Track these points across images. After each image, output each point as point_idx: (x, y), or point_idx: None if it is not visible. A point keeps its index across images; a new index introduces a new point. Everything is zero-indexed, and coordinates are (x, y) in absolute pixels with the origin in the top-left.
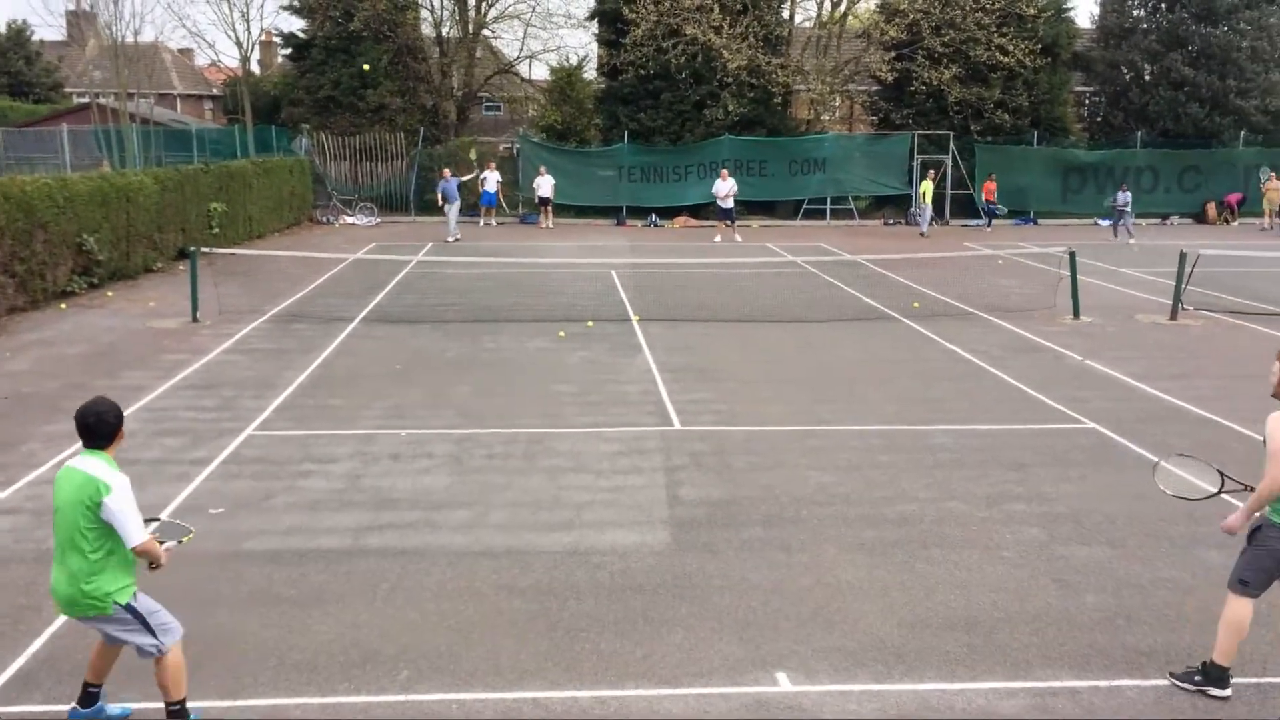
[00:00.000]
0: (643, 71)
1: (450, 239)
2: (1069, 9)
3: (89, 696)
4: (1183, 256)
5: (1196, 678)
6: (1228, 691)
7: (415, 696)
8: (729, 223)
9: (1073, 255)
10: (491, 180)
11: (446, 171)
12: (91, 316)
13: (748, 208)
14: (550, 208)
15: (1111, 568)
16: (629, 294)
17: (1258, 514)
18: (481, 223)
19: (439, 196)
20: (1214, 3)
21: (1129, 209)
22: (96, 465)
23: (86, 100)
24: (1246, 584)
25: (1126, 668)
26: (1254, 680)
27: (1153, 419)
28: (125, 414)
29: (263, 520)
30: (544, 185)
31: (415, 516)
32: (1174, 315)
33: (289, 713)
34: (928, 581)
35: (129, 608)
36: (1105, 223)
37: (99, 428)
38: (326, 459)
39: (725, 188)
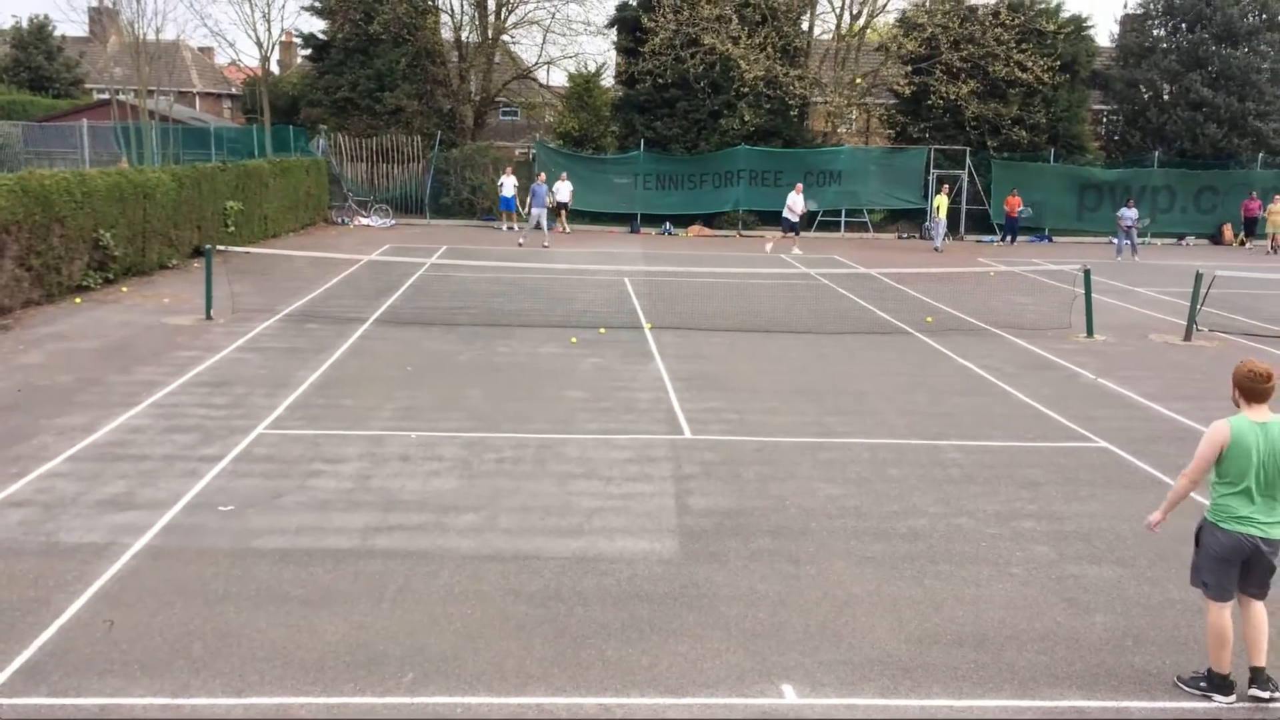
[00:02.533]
0: (660, 80)
1: (545, 244)
2: (1089, 27)
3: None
4: (1198, 277)
5: (1201, 684)
6: (1231, 698)
7: (421, 699)
8: (791, 234)
9: (1087, 273)
10: (509, 185)
11: (542, 175)
12: (106, 312)
13: (761, 218)
14: (565, 213)
15: (1121, 588)
16: (642, 302)
17: (1203, 515)
18: (504, 228)
19: (529, 198)
20: (1235, 24)
21: (1134, 225)
22: None
23: (106, 96)
24: (1207, 585)
25: (1134, 688)
26: None
27: (1164, 439)
28: (137, 409)
29: (272, 519)
30: (563, 190)
31: (424, 519)
32: (1188, 336)
33: (294, 712)
34: (936, 597)
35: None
36: (1115, 241)
37: None
38: (336, 459)
39: (800, 202)
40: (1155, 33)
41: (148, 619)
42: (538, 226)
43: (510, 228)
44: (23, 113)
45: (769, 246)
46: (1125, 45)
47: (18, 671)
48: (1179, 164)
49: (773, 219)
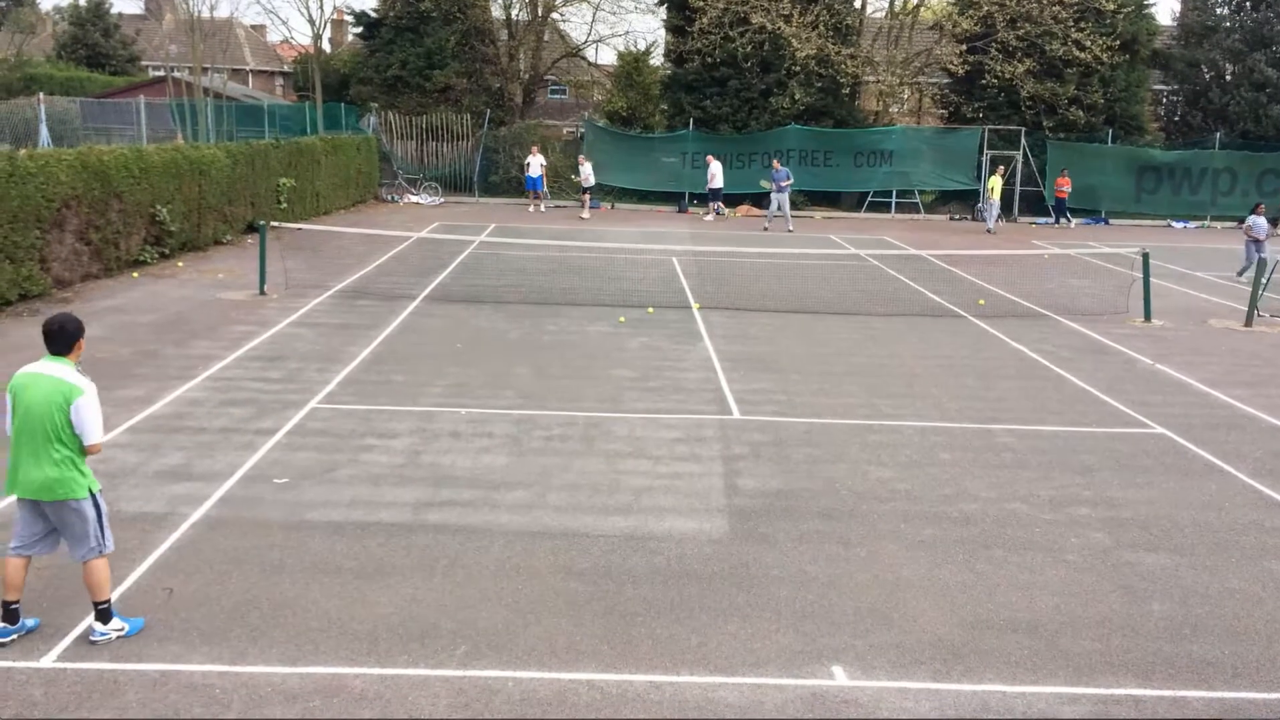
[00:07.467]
0: (709, 59)
1: (790, 229)
2: (1150, 5)
3: (12, 614)
4: (1261, 262)
5: None
6: None
7: (472, 672)
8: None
9: (1145, 256)
10: (535, 164)
11: (776, 162)
12: (162, 286)
13: (810, 198)
14: (589, 196)
15: (1178, 576)
16: (690, 281)
17: None
18: (531, 208)
19: (770, 182)
20: None
21: (1267, 238)
22: (63, 370)
23: (162, 73)
24: None
25: (1192, 678)
26: None
27: (1223, 426)
28: (194, 382)
29: (325, 492)
30: (585, 171)
31: (474, 494)
32: (1249, 321)
33: (349, 682)
34: (989, 582)
35: (94, 499)
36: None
37: (60, 336)
38: (388, 434)
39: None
40: (1218, 11)
41: (205, 587)
42: (779, 211)
43: (540, 209)
44: (80, 89)
45: (709, 217)
46: (1187, 24)
47: (81, 636)
48: (1241, 146)
49: (823, 199)
